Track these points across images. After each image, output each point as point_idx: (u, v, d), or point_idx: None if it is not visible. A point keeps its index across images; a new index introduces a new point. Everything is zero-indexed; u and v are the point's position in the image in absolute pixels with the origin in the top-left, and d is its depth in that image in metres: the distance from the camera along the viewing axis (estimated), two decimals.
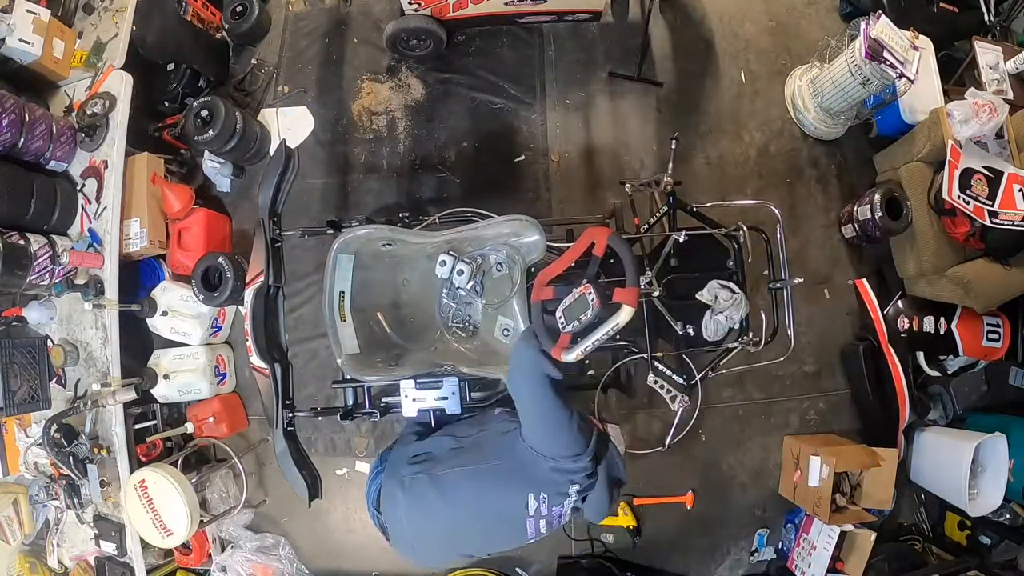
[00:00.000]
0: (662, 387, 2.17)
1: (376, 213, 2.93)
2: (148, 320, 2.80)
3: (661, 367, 2.22)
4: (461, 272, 2.03)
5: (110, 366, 2.53)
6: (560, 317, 1.65)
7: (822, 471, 2.64)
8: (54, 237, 2.54)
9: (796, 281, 2.12)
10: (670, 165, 2.37)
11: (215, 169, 3.04)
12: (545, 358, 1.60)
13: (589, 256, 1.67)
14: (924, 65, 2.76)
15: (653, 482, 2.92)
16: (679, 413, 2.16)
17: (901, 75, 2.58)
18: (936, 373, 3.04)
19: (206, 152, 2.98)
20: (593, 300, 1.57)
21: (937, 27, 3.03)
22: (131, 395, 2.51)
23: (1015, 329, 2.95)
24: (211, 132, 2.72)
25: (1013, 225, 2.59)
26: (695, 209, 2.28)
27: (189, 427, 2.86)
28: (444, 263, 2.04)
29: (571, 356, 1.61)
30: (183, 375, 2.77)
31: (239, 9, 3.19)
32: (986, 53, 3.03)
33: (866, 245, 3.06)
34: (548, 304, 1.76)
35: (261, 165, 3.10)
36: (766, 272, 2.22)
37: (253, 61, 3.27)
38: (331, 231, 2.16)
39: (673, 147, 2.42)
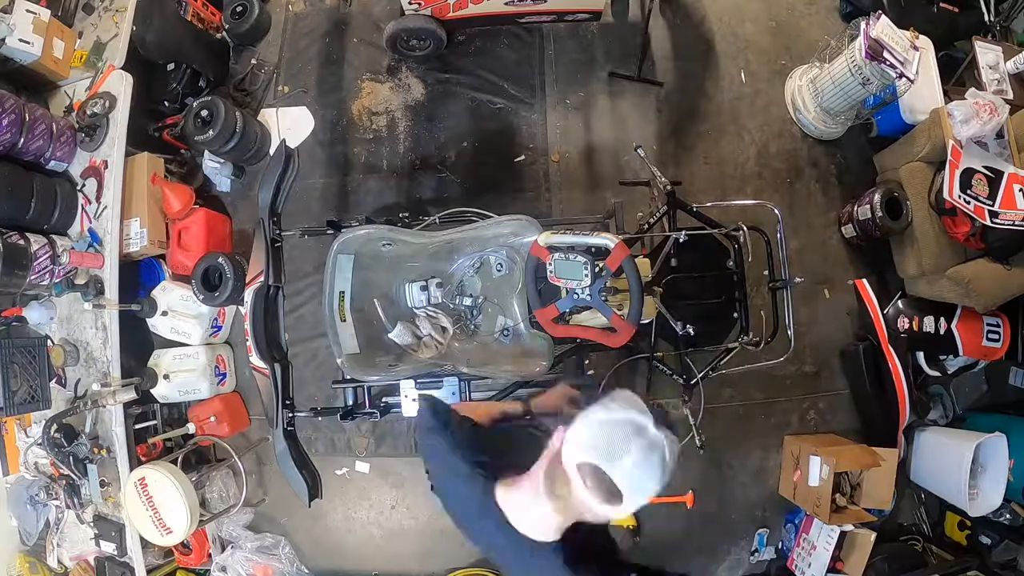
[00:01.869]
0: (659, 406, 2.18)
1: (376, 213, 2.92)
2: (148, 320, 2.80)
3: (662, 367, 2.22)
4: (439, 286, 2.11)
5: (110, 366, 2.53)
6: (550, 268, 1.72)
7: (822, 471, 2.64)
8: (54, 237, 2.54)
9: (796, 281, 2.12)
10: (653, 168, 2.41)
11: (215, 169, 3.04)
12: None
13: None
14: (924, 65, 2.75)
15: None
16: (688, 413, 2.16)
17: (901, 75, 2.58)
18: (936, 373, 3.03)
19: (206, 152, 2.98)
20: (587, 276, 1.65)
21: (937, 27, 3.03)
22: (131, 395, 2.51)
23: (1015, 329, 2.95)
24: (211, 132, 2.72)
25: (1013, 225, 2.58)
26: (695, 209, 2.28)
27: (191, 428, 2.87)
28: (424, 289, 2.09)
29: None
30: (183, 375, 2.77)
31: (239, 9, 3.19)
32: (986, 53, 3.03)
33: (866, 245, 3.05)
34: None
35: (261, 165, 3.10)
36: (766, 272, 2.22)
37: (253, 61, 3.27)
38: (331, 231, 2.16)
39: (641, 155, 2.49)
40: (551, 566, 1.04)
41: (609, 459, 0.91)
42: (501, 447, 1.22)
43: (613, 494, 0.91)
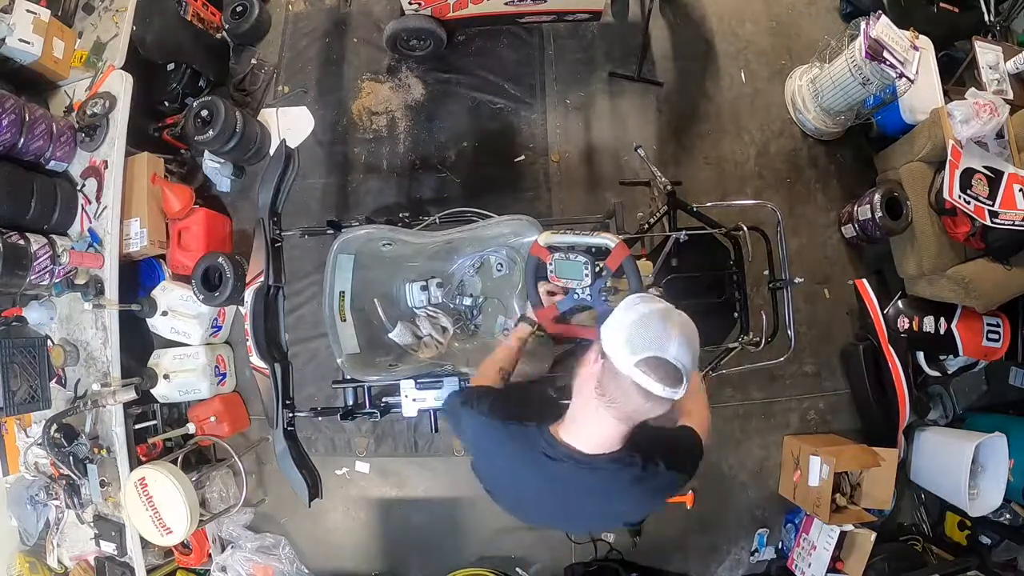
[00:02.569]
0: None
1: (376, 213, 2.93)
2: (148, 320, 2.80)
3: None
4: (439, 286, 2.09)
5: (110, 366, 2.53)
6: (550, 268, 1.72)
7: (822, 471, 2.64)
8: (54, 237, 2.54)
9: (796, 281, 2.12)
10: (654, 169, 2.40)
11: (215, 169, 3.04)
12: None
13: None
14: (924, 65, 2.75)
15: None
16: None
17: (901, 75, 2.58)
18: (936, 373, 3.04)
19: (206, 152, 2.98)
20: (587, 276, 1.66)
21: (937, 27, 3.03)
22: (131, 395, 2.51)
23: (1015, 329, 2.95)
24: (211, 132, 2.72)
25: (1013, 225, 2.59)
26: (695, 209, 2.28)
27: (191, 428, 2.87)
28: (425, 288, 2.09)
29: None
30: (183, 375, 2.77)
31: (239, 9, 3.19)
32: (986, 53, 3.03)
33: (866, 245, 3.06)
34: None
35: (261, 165, 3.10)
36: (766, 272, 2.22)
37: (253, 61, 3.27)
38: (331, 231, 2.16)
39: (641, 155, 2.49)
40: (630, 471, 1.14)
41: (660, 347, 1.01)
42: (527, 404, 1.31)
43: (673, 376, 1.01)
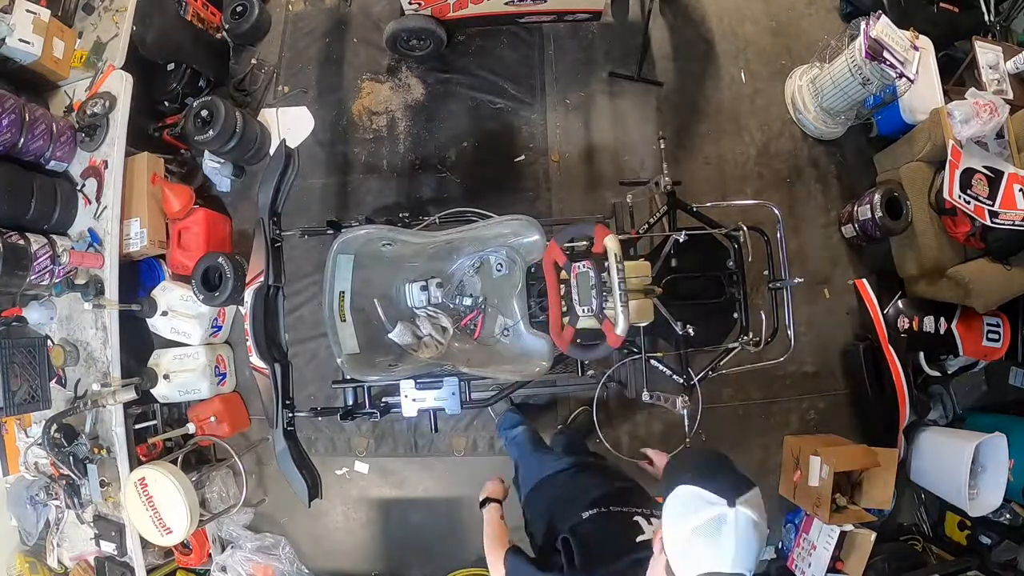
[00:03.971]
0: (658, 399, 2.17)
1: (376, 213, 2.93)
2: (148, 320, 2.80)
3: (660, 367, 2.22)
4: (439, 286, 2.11)
5: (110, 366, 2.53)
6: (575, 298, 1.75)
7: (822, 471, 2.64)
8: (54, 237, 2.54)
9: (796, 281, 2.12)
10: (664, 165, 2.40)
11: (215, 169, 3.04)
12: None
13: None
14: (924, 65, 2.75)
15: (653, 482, 2.92)
16: (685, 413, 2.16)
17: (901, 75, 2.58)
18: (936, 373, 3.03)
19: (206, 152, 2.99)
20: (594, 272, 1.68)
21: (937, 27, 3.03)
22: (131, 395, 2.51)
23: (1015, 329, 2.95)
24: (211, 132, 2.72)
25: (1013, 225, 2.59)
26: (695, 209, 2.28)
27: (191, 428, 2.87)
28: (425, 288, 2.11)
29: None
30: (183, 375, 2.77)
31: (239, 9, 3.19)
32: (986, 53, 3.03)
33: (866, 245, 3.06)
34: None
35: (261, 165, 3.10)
36: (766, 272, 2.22)
37: (253, 61, 3.27)
38: (331, 231, 2.16)
39: (662, 147, 2.48)
40: None
41: (717, 563, 0.94)
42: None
43: None
